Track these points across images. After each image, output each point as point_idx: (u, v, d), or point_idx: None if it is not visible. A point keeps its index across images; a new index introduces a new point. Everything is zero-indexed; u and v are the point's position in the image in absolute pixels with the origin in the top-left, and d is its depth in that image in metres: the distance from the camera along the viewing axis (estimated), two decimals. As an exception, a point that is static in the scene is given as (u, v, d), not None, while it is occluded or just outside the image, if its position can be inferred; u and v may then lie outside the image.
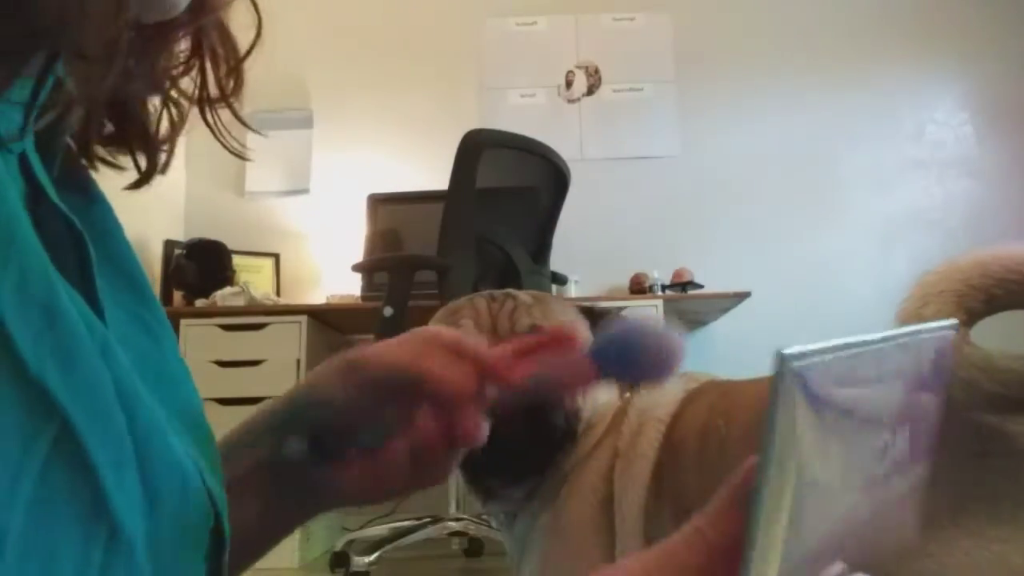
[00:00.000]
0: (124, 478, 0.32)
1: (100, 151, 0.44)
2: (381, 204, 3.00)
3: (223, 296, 2.76)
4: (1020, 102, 3.35)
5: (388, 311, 1.89)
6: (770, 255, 3.27)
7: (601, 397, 0.86)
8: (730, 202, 3.31)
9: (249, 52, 0.45)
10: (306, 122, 3.38)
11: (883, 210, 3.31)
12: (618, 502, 0.76)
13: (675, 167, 3.35)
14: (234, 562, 0.47)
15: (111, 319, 0.38)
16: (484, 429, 0.48)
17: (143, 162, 0.46)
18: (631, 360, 0.45)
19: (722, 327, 3.19)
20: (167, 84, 0.45)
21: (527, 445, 0.80)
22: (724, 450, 0.72)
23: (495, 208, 2.10)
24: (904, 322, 0.56)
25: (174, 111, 0.45)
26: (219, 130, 0.46)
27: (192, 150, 3.38)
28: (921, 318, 0.55)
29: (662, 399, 0.83)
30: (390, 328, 1.87)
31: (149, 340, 0.42)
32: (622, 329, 0.45)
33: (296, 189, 3.33)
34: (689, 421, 0.78)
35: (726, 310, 3.04)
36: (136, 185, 0.47)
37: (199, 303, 2.77)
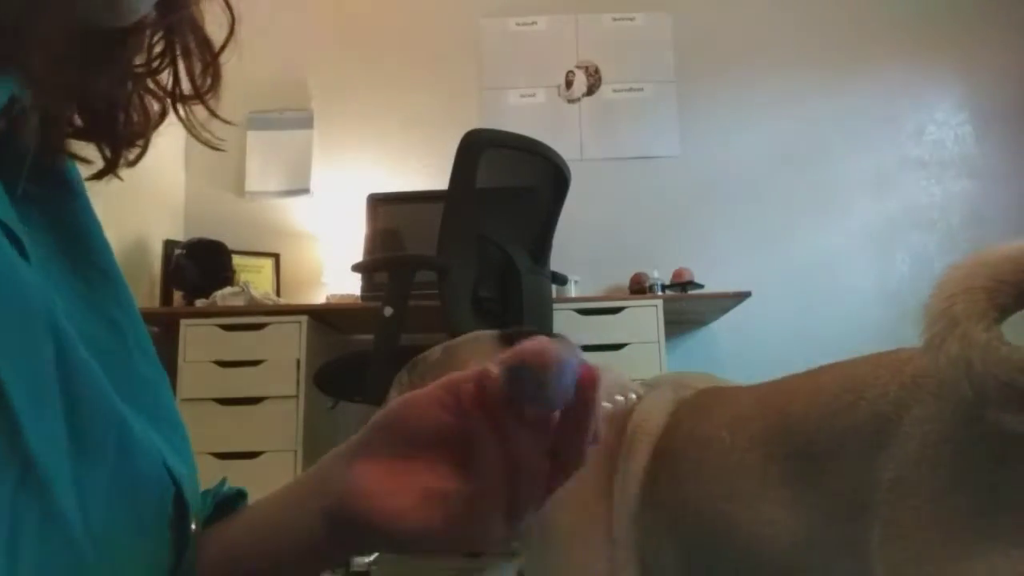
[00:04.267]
0: (43, 415, 0.32)
1: (71, 144, 0.44)
2: (381, 204, 3.00)
3: (223, 296, 2.76)
4: (1020, 102, 3.35)
5: (388, 311, 1.89)
6: (770, 255, 3.27)
7: None
8: (730, 202, 3.31)
9: (222, 49, 0.44)
10: (306, 122, 3.38)
11: (883, 210, 3.31)
12: (617, 513, 0.76)
13: (675, 167, 3.35)
14: None
15: (77, 317, 0.38)
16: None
17: (111, 155, 0.46)
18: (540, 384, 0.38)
19: (722, 327, 3.19)
20: (143, 81, 0.45)
21: None
22: (728, 459, 0.71)
23: (495, 208, 2.10)
24: (933, 321, 0.54)
25: (153, 106, 0.45)
26: (193, 125, 0.45)
27: (192, 150, 3.38)
28: (951, 316, 0.53)
29: (653, 411, 0.82)
30: (390, 328, 1.87)
31: (115, 341, 0.42)
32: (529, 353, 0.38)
33: (296, 189, 3.33)
34: (687, 431, 0.78)
35: (726, 310, 3.04)
36: (98, 176, 0.47)
37: (199, 303, 2.77)
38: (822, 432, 0.66)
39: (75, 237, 0.43)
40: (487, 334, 0.93)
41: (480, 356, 0.79)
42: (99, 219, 0.46)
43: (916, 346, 0.60)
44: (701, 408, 0.81)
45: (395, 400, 0.43)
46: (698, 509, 0.72)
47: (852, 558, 0.62)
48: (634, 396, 0.87)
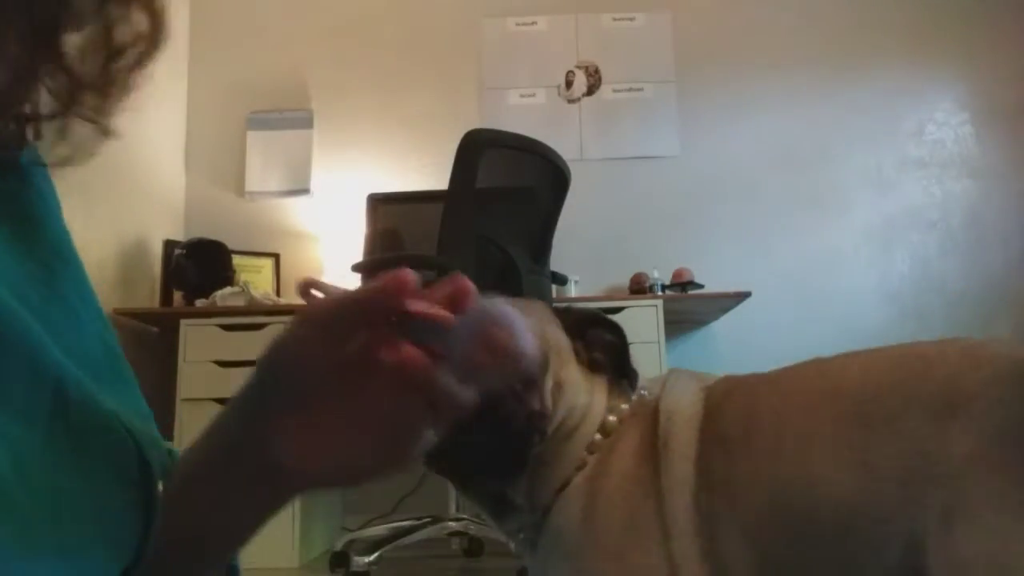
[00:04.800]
0: None
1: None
2: (381, 204, 2.99)
3: (223, 296, 2.76)
4: (1020, 102, 3.35)
5: (388, 311, 1.89)
6: (770, 255, 3.27)
7: (580, 398, 0.83)
8: (730, 202, 3.31)
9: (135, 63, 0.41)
10: (306, 122, 3.38)
11: (883, 210, 3.31)
12: (669, 505, 0.75)
13: (675, 167, 3.35)
14: (214, 552, 0.48)
15: (30, 295, 0.39)
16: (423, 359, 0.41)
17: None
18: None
19: (722, 327, 3.19)
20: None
21: (488, 442, 0.77)
22: (782, 429, 0.74)
23: (495, 208, 2.10)
24: None
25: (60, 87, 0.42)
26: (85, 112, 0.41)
27: (192, 150, 3.38)
28: None
29: (683, 399, 0.82)
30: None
31: (70, 325, 0.42)
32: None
33: (296, 189, 3.33)
34: (735, 412, 0.78)
35: (726, 310, 3.04)
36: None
37: (199, 303, 2.77)
38: (881, 399, 0.70)
39: (30, 224, 0.42)
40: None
41: None
42: (59, 204, 0.46)
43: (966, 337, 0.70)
44: (740, 390, 0.81)
45: (270, 349, 0.44)
46: (760, 483, 0.73)
47: (905, 520, 0.66)
48: (645, 392, 0.86)
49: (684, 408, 0.80)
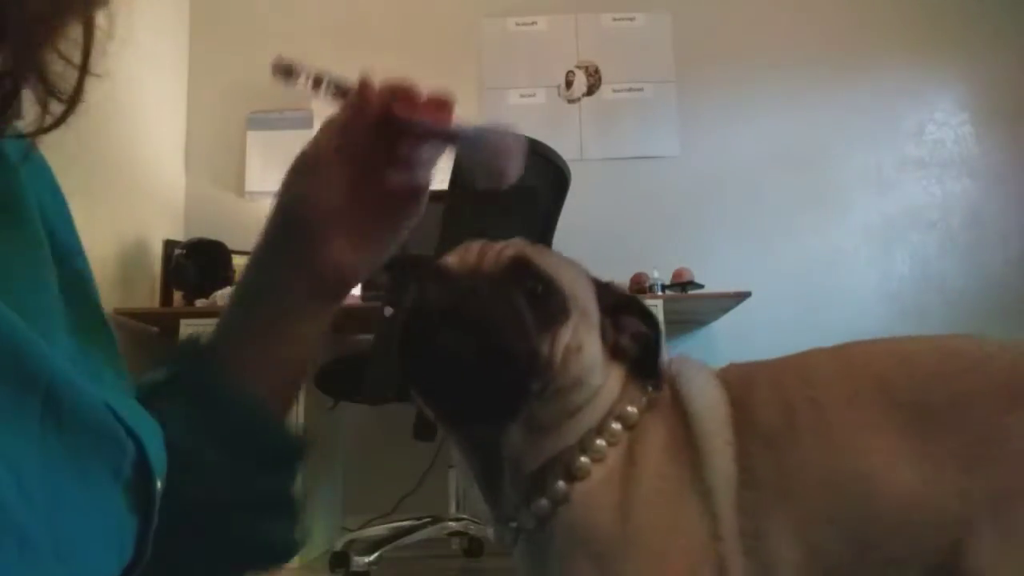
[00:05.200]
0: None
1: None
2: (381, 204, 2.99)
3: (223, 296, 2.76)
4: (1020, 102, 3.35)
5: (388, 311, 1.89)
6: (770, 255, 3.27)
7: (594, 376, 0.76)
8: (730, 202, 3.31)
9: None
10: (306, 122, 3.38)
11: (883, 210, 3.31)
12: (714, 504, 0.71)
13: (675, 167, 3.35)
14: (290, 382, 0.57)
15: None
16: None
17: None
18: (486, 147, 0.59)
19: (722, 327, 3.19)
20: None
21: (486, 375, 0.70)
22: (826, 418, 0.72)
23: (495, 208, 2.09)
24: None
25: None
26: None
27: (192, 150, 3.38)
28: None
29: (706, 389, 0.78)
30: (390, 328, 1.87)
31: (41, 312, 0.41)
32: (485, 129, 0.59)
33: (296, 189, 3.33)
34: (764, 401, 0.75)
35: (726, 310, 3.04)
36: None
37: (199, 303, 2.77)
38: (938, 391, 0.70)
39: (4, 207, 0.42)
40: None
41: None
42: (35, 189, 0.45)
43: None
44: (760, 380, 0.78)
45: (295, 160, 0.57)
46: (811, 477, 0.71)
47: (959, 510, 0.66)
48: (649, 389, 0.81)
49: (709, 400, 0.77)
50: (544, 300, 0.73)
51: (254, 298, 0.61)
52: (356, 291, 2.87)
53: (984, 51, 3.39)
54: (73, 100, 0.38)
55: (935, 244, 3.29)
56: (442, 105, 0.61)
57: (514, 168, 0.61)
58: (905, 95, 3.39)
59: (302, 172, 0.57)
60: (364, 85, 0.59)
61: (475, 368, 0.69)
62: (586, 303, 0.77)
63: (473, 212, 1.94)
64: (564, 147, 2.31)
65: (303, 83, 0.61)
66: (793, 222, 3.30)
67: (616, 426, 0.76)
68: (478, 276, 0.74)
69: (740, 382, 0.79)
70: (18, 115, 0.38)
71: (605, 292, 0.80)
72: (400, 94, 0.60)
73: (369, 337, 2.03)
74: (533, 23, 3.46)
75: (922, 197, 3.33)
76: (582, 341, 0.75)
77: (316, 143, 0.58)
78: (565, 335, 0.73)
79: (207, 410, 0.52)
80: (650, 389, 0.79)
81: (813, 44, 3.42)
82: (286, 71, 0.63)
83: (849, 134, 3.36)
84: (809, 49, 3.42)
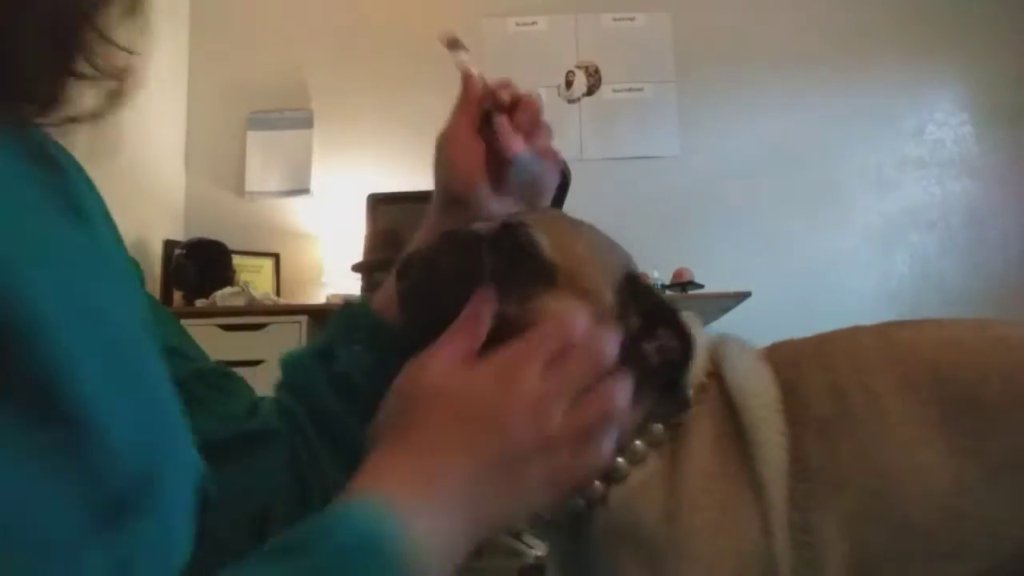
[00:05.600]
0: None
1: None
2: (381, 204, 3.00)
3: (223, 296, 2.76)
4: (1020, 102, 3.35)
5: (388, 311, 1.89)
6: (770, 255, 3.27)
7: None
8: (730, 202, 3.31)
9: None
10: (306, 122, 3.38)
11: (883, 210, 3.31)
12: (768, 500, 0.68)
13: (675, 167, 3.35)
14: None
15: None
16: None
17: None
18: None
19: (722, 327, 3.18)
20: None
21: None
22: (883, 416, 0.69)
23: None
24: None
25: None
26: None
27: (192, 150, 3.38)
28: None
29: (754, 375, 0.73)
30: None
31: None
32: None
33: (296, 189, 3.33)
34: (813, 392, 0.72)
35: (726, 310, 3.04)
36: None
37: (199, 303, 2.77)
38: (994, 385, 0.67)
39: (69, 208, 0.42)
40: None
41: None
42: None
43: None
44: (808, 362, 0.74)
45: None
46: (863, 469, 0.68)
47: (1010, 508, 0.65)
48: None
49: (759, 387, 0.72)
50: (519, 263, 0.69)
51: None
52: (356, 291, 2.87)
53: (984, 51, 3.39)
54: (124, 78, 0.39)
55: (935, 244, 3.29)
56: (533, 124, 0.78)
57: (544, 200, 0.78)
58: (905, 95, 3.39)
59: (441, 147, 0.75)
60: (466, 81, 0.77)
61: (429, 319, 0.65)
62: (593, 285, 0.71)
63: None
64: (564, 147, 2.29)
65: (464, 57, 0.77)
66: (793, 222, 3.30)
67: (656, 426, 0.72)
68: (467, 235, 0.71)
69: (788, 364, 0.74)
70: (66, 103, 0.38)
71: (646, 295, 0.73)
72: (493, 100, 0.76)
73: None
74: (533, 23, 3.46)
75: (922, 197, 3.33)
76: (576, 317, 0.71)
77: (448, 122, 0.76)
78: (547, 303, 0.67)
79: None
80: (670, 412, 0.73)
81: (813, 44, 3.42)
82: (453, 43, 0.78)
83: (849, 134, 3.36)
84: (809, 49, 3.42)
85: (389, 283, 0.73)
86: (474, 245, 0.69)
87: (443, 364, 0.50)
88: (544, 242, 0.70)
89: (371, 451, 0.47)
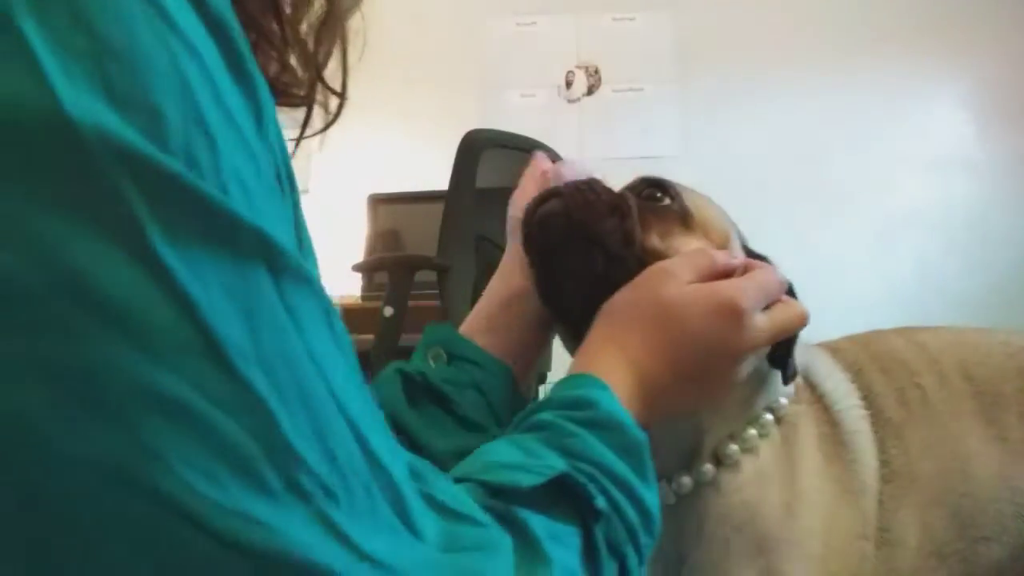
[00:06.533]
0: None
1: None
2: (381, 204, 3.00)
3: (223, 296, 2.75)
4: (1021, 102, 3.35)
5: (388, 311, 1.89)
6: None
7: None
8: (730, 202, 3.27)
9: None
10: (306, 122, 3.38)
11: (884, 210, 3.31)
12: (864, 504, 0.71)
13: (675, 167, 3.32)
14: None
15: None
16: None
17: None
18: None
19: (722, 327, 3.18)
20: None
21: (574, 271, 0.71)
22: (930, 401, 0.75)
23: (495, 208, 2.08)
24: None
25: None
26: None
27: (192, 150, 3.38)
28: None
29: (839, 380, 0.76)
30: (390, 328, 1.87)
31: None
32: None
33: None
34: (884, 395, 0.75)
35: (726, 310, 3.04)
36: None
37: (199, 303, 2.76)
38: (1012, 380, 0.75)
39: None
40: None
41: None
42: None
43: None
44: (869, 365, 0.78)
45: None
46: (928, 459, 0.73)
47: None
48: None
49: (845, 391, 0.75)
50: (663, 205, 0.80)
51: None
52: (356, 291, 2.87)
53: (986, 51, 3.38)
54: (343, 94, 0.46)
55: (936, 244, 3.29)
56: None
57: None
58: (906, 95, 3.39)
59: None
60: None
61: (582, 267, 0.70)
62: (724, 239, 0.81)
63: (473, 212, 1.94)
64: (564, 147, 2.30)
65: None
66: (794, 222, 3.30)
67: (768, 416, 0.72)
68: (599, 185, 0.79)
69: (853, 368, 0.78)
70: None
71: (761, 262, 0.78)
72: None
73: (369, 337, 2.03)
74: (533, 23, 3.45)
75: (923, 197, 3.33)
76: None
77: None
78: (689, 242, 0.75)
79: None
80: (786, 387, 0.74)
81: (813, 44, 3.42)
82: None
83: (850, 134, 3.35)
84: (809, 49, 3.41)
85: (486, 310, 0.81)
86: (613, 193, 0.78)
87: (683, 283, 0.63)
88: (686, 195, 0.82)
89: (605, 339, 0.60)
